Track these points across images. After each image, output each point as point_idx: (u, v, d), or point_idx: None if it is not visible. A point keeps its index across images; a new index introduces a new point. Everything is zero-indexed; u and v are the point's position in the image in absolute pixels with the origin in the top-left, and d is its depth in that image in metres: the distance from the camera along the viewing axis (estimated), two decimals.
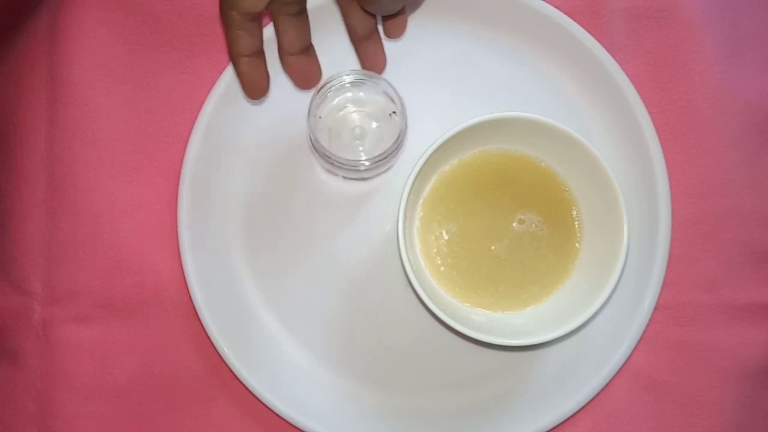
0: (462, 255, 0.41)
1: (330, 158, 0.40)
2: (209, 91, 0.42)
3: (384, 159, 0.40)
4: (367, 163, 0.40)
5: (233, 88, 0.42)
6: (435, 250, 0.41)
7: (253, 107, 0.43)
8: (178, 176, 0.42)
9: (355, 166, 0.40)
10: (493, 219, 0.41)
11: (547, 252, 0.41)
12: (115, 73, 0.43)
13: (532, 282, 0.41)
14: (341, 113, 0.42)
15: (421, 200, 0.41)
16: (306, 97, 0.40)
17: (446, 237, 0.41)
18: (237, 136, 0.43)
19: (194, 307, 0.42)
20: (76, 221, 0.43)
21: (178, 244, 0.42)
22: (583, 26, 0.42)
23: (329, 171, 0.43)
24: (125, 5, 0.44)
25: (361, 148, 0.42)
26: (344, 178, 0.43)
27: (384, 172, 0.43)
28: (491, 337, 0.38)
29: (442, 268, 0.41)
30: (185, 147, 0.42)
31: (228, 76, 0.42)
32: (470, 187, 0.41)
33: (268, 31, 0.42)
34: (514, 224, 0.41)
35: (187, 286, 0.42)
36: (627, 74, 0.42)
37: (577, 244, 0.41)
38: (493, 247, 0.41)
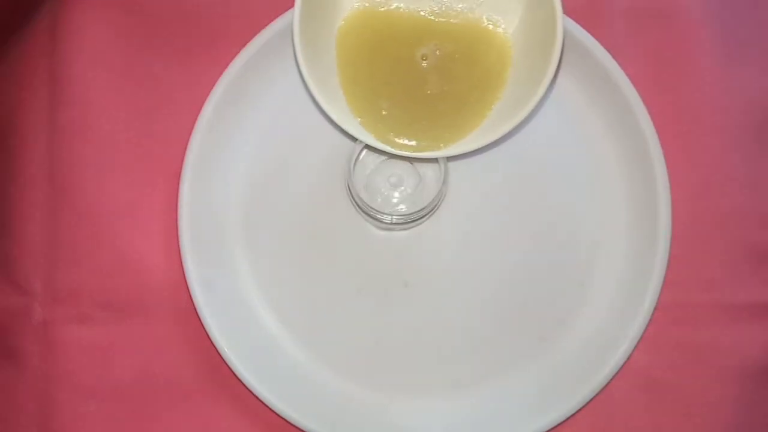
0: (399, 110, 0.39)
1: (360, 206, 0.41)
2: (209, 91, 0.42)
3: (411, 221, 0.41)
4: (388, 219, 0.41)
5: (233, 88, 0.42)
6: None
7: (254, 108, 0.43)
8: (179, 176, 0.42)
9: (380, 219, 0.41)
10: (405, 64, 0.38)
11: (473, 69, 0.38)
12: (115, 73, 0.44)
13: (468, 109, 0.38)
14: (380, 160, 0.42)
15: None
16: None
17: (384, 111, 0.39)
18: (237, 137, 0.43)
19: (194, 307, 0.42)
20: (76, 221, 0.43)
21: (178, 244, 0.42)
22: (583, 26, 0.42)
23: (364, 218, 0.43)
24: (126, 5, 0.44)
25: (395, 199, 0.42)
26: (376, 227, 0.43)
27: (415, 226, 0.43)
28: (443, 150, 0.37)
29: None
30: (186, 147, 0.42)
31: (228, 77, 0.42)
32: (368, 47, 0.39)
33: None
34: (423, 63, 0.38)
35: (187, 286, 0.42)
36: (627, 74, 0.42)
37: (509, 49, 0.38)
38: (427, 91, 0.38)
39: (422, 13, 0.38)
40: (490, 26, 0.38)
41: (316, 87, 0.37)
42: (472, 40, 0.38)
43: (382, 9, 0.38)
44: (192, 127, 0.42)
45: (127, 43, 0.44)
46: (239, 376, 0.41)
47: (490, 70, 0.39)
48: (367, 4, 0.39)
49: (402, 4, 0.38)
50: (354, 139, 0.40)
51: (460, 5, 0.38)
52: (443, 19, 0.38)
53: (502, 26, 0.39)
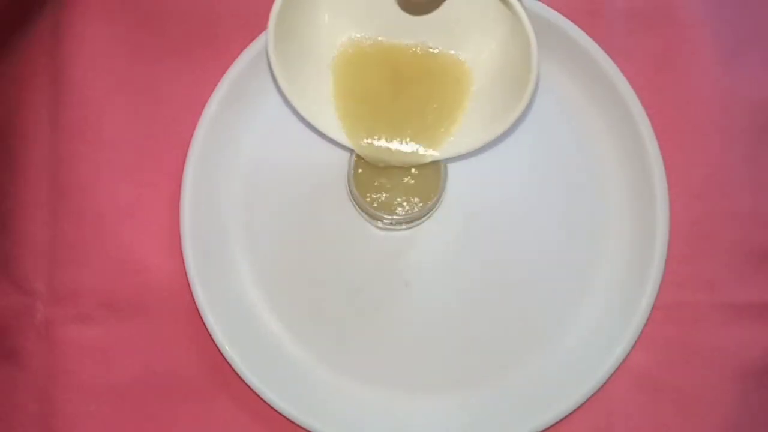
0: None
1: (360, 206, 0.41)
2: (211, 92, 0.42)
3: (411, 220, 0.41)
4: (388, 219, 0.41)
5: (235, 89, 0.42)
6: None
7: (255, 108, 0.44)
8: (180, 177, 0.42)
9: (380, 219, 0.41)
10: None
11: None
12: (117, 74, 0.44)
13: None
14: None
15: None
16: None
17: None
18: (238, 137, 0.43)
19: (196, 307, 0.42)
20: (78, 221, 0.43)
21: (180, 243, 0.42)
22: (581, 27, 0.42)
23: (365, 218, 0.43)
24: (127, 5, 0.44)
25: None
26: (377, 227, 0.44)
27: (415, 226, 0.43)
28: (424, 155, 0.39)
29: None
30: (187, 148, 0.42)
31: (230, 78, 0.42)
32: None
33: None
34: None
35: (188, 285, 0.42)
36: (626, 75, 0.42)
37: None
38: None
39: (405, 44, 0.39)
40: (458, 58, 0.40)
41: (308, 112, 0.40)
42: (439, 75, 0.40)
43: (368, 43, 0.39)
44: (194, 128, 0.42)
45: (128, 43, 0.44)
46: (241, 375, 0.41)
47: (446, 101, 0.40)
48: (348, 39, 0.40)
49: (385, 38, 0.39)
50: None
51: (434, 43, 0.39)
52: (420, 52, 0.39)
53: (469, 62, 0.40)
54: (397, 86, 0.40)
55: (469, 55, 0.40)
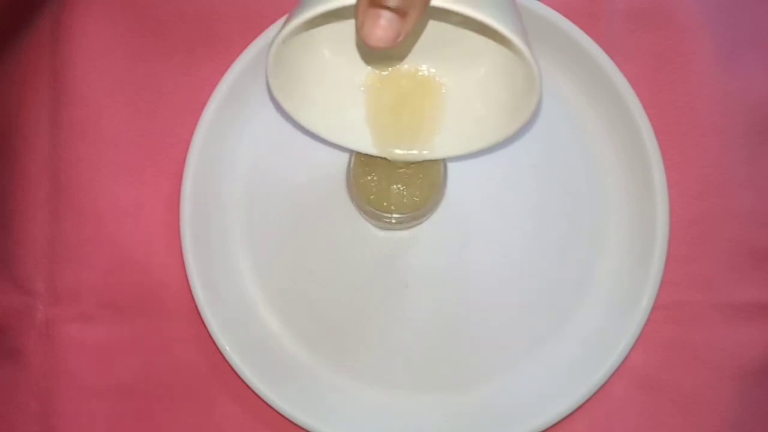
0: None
1: (360, 206, 0.41)
2: (211, 92, 0.42)
3: (411, 220, 0.41)
4: (388, 219, 0.41)
5: (235, 89, 0.42)
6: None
7: (255, 108, 0.44)
8: (181, 176, 0.42)
9: (380, 219, 0.41)
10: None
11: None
12: (117, 74, 0.44)
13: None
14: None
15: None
16: None
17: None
18: (238, 137, 0.44)
19: (196, 307, 0.42)
20: (79, 221, 0.43)
21: (180, 243, 0.42)
22: (581, 27, 0.42)
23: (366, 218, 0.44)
24: (127, 7, 0.44)
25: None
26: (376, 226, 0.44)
27: (415, 226, 0.43)
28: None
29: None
30: (187, 147, 0.42)
31: (230, 78, 0.42)
32: None
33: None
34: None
35: (189, 285, 0.42)
36: (625, 75, 0.42)
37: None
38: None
39: (407, 68, 0.40)
40: (437, 79, 0.41)
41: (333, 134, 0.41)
42: (431, 90, 0.41)
43: (387, 73, 0.41)
44: (194, 127, 0.42)
45: (128, 43, 0.44)
46: (241, 375, 0.41)
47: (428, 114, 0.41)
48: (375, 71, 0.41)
49: (406, 66, 0.40)
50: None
51: (428, 67, 0.40)
52: (417, 73, 0.41)
53: (452, 81, 0.40)
54: (403, 100, 0.40)
55: (455, 75, 0.40)
